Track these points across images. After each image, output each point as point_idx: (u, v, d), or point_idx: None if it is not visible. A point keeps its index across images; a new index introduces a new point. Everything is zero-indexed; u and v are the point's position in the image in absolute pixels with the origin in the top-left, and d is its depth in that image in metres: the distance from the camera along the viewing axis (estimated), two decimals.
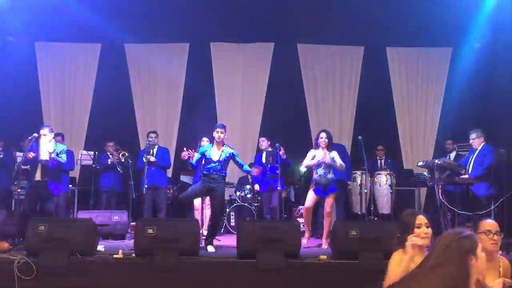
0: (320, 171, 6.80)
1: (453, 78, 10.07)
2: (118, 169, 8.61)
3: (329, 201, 6.84)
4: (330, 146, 6.94)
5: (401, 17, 8.74)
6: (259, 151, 9.02)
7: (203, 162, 6.65)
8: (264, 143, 8.64)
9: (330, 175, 6.81)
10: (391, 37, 9.79)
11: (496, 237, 3.35)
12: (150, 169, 8.13)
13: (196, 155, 6.76)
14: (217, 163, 6.51)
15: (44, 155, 6.82)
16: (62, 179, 7.44)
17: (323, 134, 6.93)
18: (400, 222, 3.28)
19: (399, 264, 3.09)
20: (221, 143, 6.63)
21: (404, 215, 3.28)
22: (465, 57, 9.69)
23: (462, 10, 8.43)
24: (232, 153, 6.64)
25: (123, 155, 8.50)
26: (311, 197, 6.87)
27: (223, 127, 6.69)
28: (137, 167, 8.33)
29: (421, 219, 3.18)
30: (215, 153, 6.57)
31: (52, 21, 9.12)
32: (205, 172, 6.57)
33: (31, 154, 6.78)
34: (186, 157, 6.67)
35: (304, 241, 6.71)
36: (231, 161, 6.73)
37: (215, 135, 6.61)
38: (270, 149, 8.47)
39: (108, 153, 8.81)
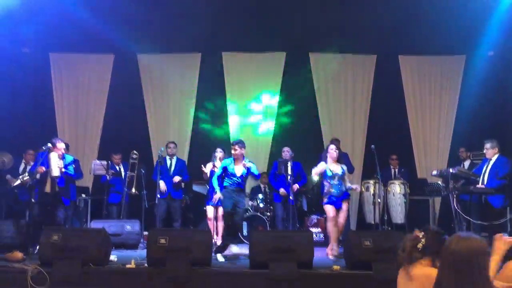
0: (334, 182, 6.82)
1: (467, 86, 9.97)
2: (122, 177, 8.63)
3: (343, 213, 6.84)
4: (340, 158, 7.03)
5: (413, 25, 8.71)
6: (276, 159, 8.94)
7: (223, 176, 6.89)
8: (284, 153, 8.50)
9: (343, 187, 6.84)
10: (404, 45, 9.74)
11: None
12: (166, 180, 8.21)
13: (209, 166, 7.13)
14: (240, 179, 6.74)
15: (55, 171, 6.89)
16: (70, 190, 7.52)
17: (333, 146, 7.00)
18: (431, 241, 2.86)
19: None
20: (241, 158, 6.80)
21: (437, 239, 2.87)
22: (479, 65, 9.60)
23: (475, 17, 8.36)
24: (249, 168, 6.80)
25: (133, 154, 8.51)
26: (331, 210, 6.79)
27: (237, 142, 6.86)
28: (153, 178, 8.37)
29: None
30: (237, 170, 6.77)
31: (66, 32, 9.22)
32: (229, 187, 6.76)
33: (42, 169, 6.85)
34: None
35: (330, 257, 6.66)
36: None
37: (232, 151, 6.83)
38: (282, 159, 8.41)
39: (115, 165, 8.81)
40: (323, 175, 6.96)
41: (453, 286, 2.28)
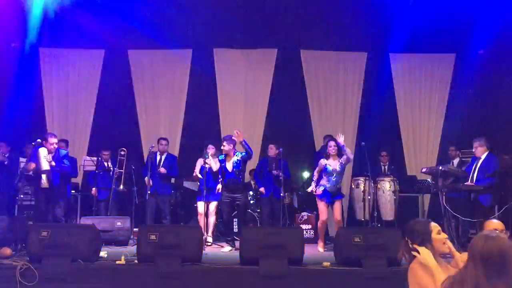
0: (332, 179, 6.90)
1: (457, 85, 10.04)
2: (111, 174, 8.59)
3: (337, 209, 6.91)
4: (340, 153, 7.06)
5: (404, 23, 8.74)
6: (264, 156, 9.03)
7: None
8: (272, 150, 8.63)
9: (339, 185, 6.92)
10: (395, 43, 9.77)
11: (503, 235, 3.34)
12: (155, 175, 8.20)
13: (199, 162, 7.49)
14: (234, 174, 6.95)
15: (44, 165, 6.88)
16: (65, 186, 7.51)
17: (332, 143, 7.04)
18: (416, 230, 3.11)
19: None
20: (231, 153, 6.95)
21: (417, 224, 3.16)
22: (469, 63, 9.67)
23: (466, 16, 8.41)
24: (241, 157, 7.04)
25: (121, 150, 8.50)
26: (324, 209, 6.97)
27: (225, 139, 7.13)
28: (143, 173, 8.36)
29: (436, 225, 3.14)
30: (228, 164, 7.01)
31: (56, 27, 9.15)
32: (226, 184, 7.12)
33: (32, 166, 6.84)
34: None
35: (320, 249, 7.04)
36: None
37: (221, 147, 7.11)
38: (273, 156, 8.51)
39: (104, 162, 8.78)
40: (322, 170, 7.07)
41: (484, 285, 2.30)
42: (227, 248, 6.80)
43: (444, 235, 3.14)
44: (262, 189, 8.49)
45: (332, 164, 6.94)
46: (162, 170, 8.31)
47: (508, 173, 6.76)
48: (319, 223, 7.29)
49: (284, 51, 10.28)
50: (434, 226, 3.13)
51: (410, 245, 3.09)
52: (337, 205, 6.96)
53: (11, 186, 8.04)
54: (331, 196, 6.97)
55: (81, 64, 10.36)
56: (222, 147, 7.05)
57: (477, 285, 2.30)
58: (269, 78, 10.26)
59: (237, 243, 6.68)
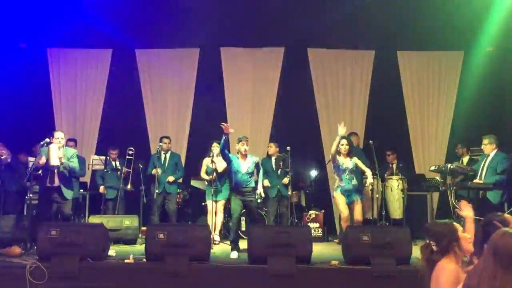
0: (345, 177, 6.85)
1: (465, 82, 9.97)
2: (119, 173, 8.62)
3: (357, 208, 6.85)
4: (351, 152, 7.02)
5: (412, 21, 8.70)
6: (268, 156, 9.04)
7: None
8: (272, 149, 8.62)
9: (354, 182, 6.85)
10: (402, 40, 9.73)
11: None
12: (162, 174, 8.22)
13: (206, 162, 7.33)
14: (247, 175, 6.66)
15: (54, 161, 6.89)
16: (72, 185, 7.51)
17: (344, 141, 6.96)
18: (440, 232, 2.99)
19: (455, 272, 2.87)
20: (246, 154, 6.78)
21: (438, 225, 3.09)
22: (477, 60, 9.59)
23: (474, 13, 8.36)
24: (258, 162, 6.89)
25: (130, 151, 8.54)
26: (344, 205, 6.85)
27: (247, 138, 6.87)
28: (147, 172, 8.39)
29: (459, 225, 3.06)
30: (243, 165, 6.67)
31: (63, 28, 9.19)
32: (236, 186, 6.67)
33: (43, 160, 6.86)
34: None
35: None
36: None
37: (241, 147, 6.73)
38: (280, 154, 8.51)
39: (112, 161, 8.81)
40: (334, 168, 6.98)
41: (501, 277, 2.28)
42: (234, 254, 6.45)
43: (467, 234, 3.06)
44: (266, 181, 8.39)
45: (344, 161, 6.88)
46: (171, 179, 8.34)
47: None
48: (342, 221, 6.94)
49: (291, 50, 10.25)
50: (458, 225, 3.04)
51: (435, 248, 2.97)
52: (356, 204, 6.88)
53: (17, 185, 8.09)
54: (347, 196, 6.87)
55: (89, 63, 10.38)
56: (246, 146, 6.79)
57: (495, 277, 2.27)
58: (276, 76, 10.23)
59: (242, 244, 6.67)
